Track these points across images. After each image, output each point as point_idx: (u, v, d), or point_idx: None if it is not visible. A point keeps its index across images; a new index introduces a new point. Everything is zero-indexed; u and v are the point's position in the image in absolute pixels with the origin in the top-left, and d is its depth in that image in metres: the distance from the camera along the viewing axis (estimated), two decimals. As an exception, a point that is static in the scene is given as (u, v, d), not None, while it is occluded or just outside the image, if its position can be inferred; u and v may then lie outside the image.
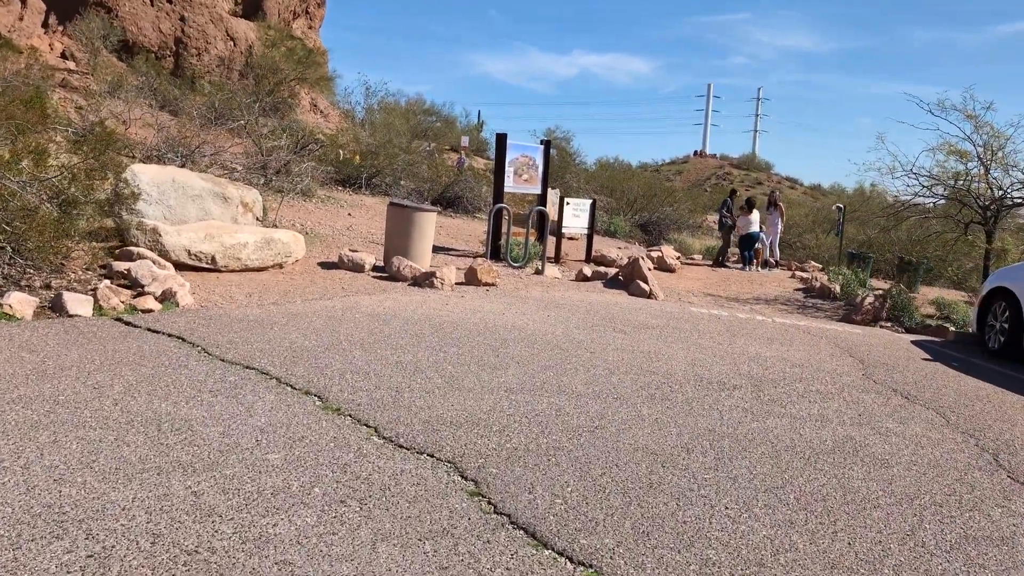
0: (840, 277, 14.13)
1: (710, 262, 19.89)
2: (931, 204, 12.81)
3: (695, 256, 21.76)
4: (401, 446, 4.06)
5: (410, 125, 36.21)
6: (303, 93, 33.27)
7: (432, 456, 3.96)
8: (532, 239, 13.39)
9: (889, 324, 11.18)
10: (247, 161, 16.34)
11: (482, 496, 3.53)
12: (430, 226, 10.75)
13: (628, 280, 11.65)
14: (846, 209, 16.78)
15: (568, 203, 14.49)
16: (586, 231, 14.79)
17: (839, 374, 7.09)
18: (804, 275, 16.31)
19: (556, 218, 14.62)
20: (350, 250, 10.31)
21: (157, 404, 4.35)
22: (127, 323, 6.20)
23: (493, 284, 10.12)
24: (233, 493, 3.29)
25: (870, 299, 11.34)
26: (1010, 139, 11.53)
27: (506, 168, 13.18)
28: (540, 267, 12.15)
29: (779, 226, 18.22)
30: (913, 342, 9.76)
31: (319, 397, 4.75)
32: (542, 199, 14.24)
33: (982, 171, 11.76)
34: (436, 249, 12.69)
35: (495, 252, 12.87)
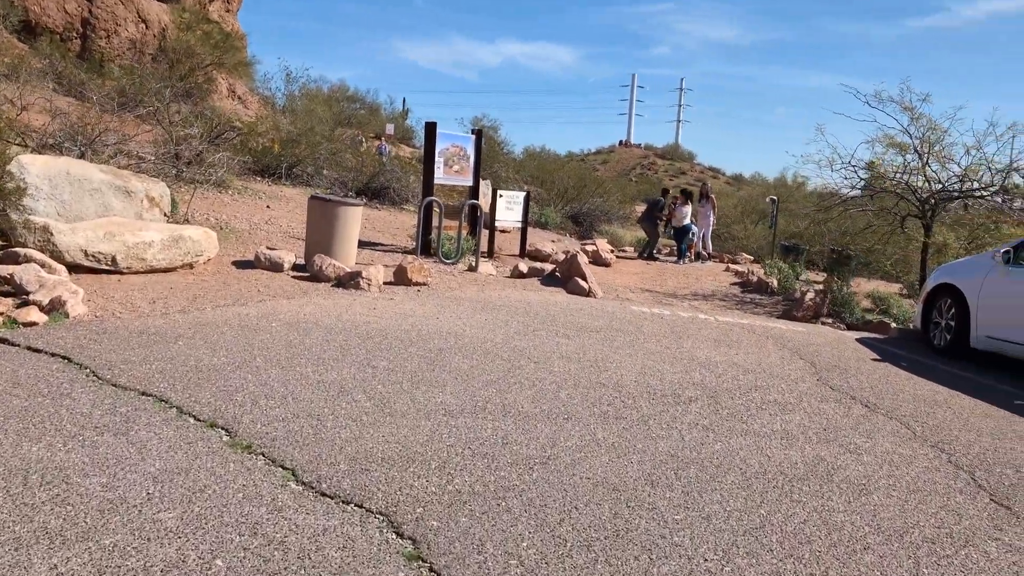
0: (777, 271, 13.97)
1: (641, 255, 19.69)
2: (869, 197, 12.68)
3: (627, 248, 21.52)
4: (324, 494, 3.44)
5: (333, 113, 35.08)
6: (220, 79, 31.79)
7: (361, 507, 3.36)
8: (464, 233, 12.79)
9: (830, 320, 11.00)
10: (157, 151, 15.25)
11: (422, 561, 2.95)
12: (355, 221, 10.04)
13: (566, 277, 11.18)
14: (778, 201, 16.71)
15: (501, 195, 13.94)
16: (520, 224, 14.27)
17: (793, 380, 6.73)
18: (738, 268, 16.15)
19: (489, 211, 14.05)
20: (268, 248, 9.53)
21: (27, 448, 3.62)
22: (2, 340, 5.38)
23: (425, 283, 9.49)
24: (112, 573, 2.63)
25: (811, 295, 11.14)
26: (947, 132, 11.48)
27: (436, 159, 12.54)
28: (474, 263, 11.58)
29: (711, 218, 18.07)
30: (858, 340, 9.55)
31: (227, 431, 4.08)
32: (474, 191, 13.65)
33: (920, 164, 11.66)
34: (362, 244, 11.99)
35: (425, 247, 12.23)
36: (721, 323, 9.64)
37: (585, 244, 16.50)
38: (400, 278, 9.35)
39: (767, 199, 18.94)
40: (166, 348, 5.50)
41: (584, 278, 10.91)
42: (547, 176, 29.77)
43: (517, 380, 5.65)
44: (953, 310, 8.85)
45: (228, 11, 39.09)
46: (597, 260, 14.96)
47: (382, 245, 13.08)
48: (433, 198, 12.03)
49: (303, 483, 3.53)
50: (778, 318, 11.21)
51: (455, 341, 6.71)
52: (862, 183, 12.88)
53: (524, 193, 14.54)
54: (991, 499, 4.31)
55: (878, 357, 8.41)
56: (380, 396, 4.90)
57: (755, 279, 13.69)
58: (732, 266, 16.34)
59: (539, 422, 4.73)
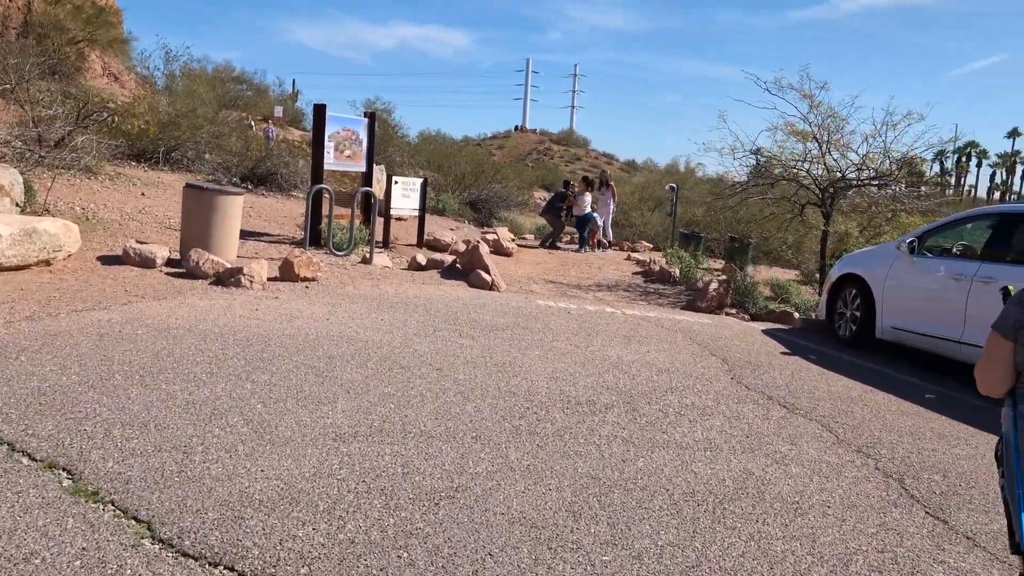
0: (678, 260, 13.86)
1: (543, 244, 19.39)
2: (769, 185, 12.67)
3: (527, 236, 21.18)
4: (186, 554, 2.84)
5: (217, 94, 33.23)
6: (94, 56, 29.65)
7: (233, 570, 2.76)
8: (358, 222, 12.09)
9: (734, 311, 10.90)
10: (14, 132, 13.83)
11: (307, 645, 2.39)
12: (236, 211, 9.22)
13: (468, 269, 10.66)
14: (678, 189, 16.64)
15: (397, 182, 13.26)
16: (417, 212, 13.64)
17: (708, 380, 6.45)
18: (639, 257, 16.02)
19: (384, 198, 13.36)
20: (137, 242, 8.63)
21: None
22: None
23: (314, 279, 8.79)
24: None
25: (714, 285, 11.00)
26: (846, 120, 11.54)
27: (326, 143, 11.76)
28: (368, 255, 10.91)
29: (611, 206, 17.90)
30: (765, 332, 9.44)
31: (69, 472, 3.40)
32: (367, 177, 12.94)
33: (820, 152, 11.69)
34: (247, 235, 11.14)
35: (315, 238, 11.46)
36: (629, 317, 9.34)
37: (485, 233, 16.02)
38: (286, 274, 8.62)
39: (666, 187, 18.91)
40: (4, 366, 4.69)
41: (487, 270, 10.42)
42: (443, 161, 29.11)
43: (418, 392, 5.11)
44: (858, 300, 8.82)
45: (100, -18, 36.59)
46: (498, 250, 14.50)
47: (268, 235, 12.22)
48: (322, 186, 11.27)
49: (161, 540, 2.91)
50: (683, 309, 11.03)
51: (348, 347, 6.11)
52: (761, 171, 12.87)
53: (421, 180, 13.91)
54: (927, 513, 4.08)
55: (787, 351, 8.27)
56: (260, 419, 4.27)
57: (657, 268, 13.54)
58: (633, 255, 16.19)
59: (444, 444, 4.21)
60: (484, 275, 10.31)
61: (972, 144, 79.57)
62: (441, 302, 8.62)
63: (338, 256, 10.76)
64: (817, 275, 12.04)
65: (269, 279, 8.38)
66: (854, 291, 8.93)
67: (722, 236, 18.40)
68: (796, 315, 10.69)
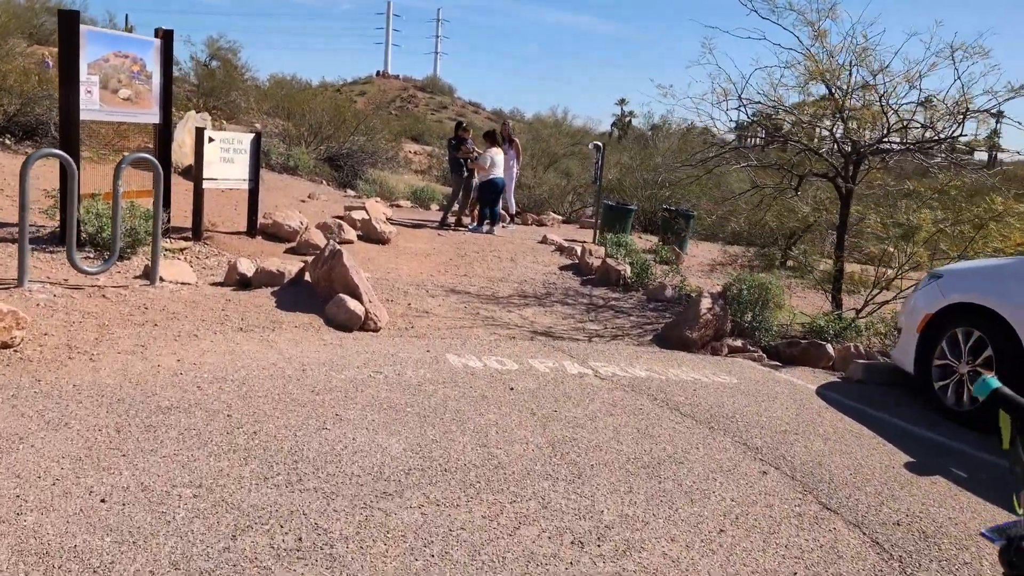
0: (619, 250, 10.00)
1: (432, 212, 15.13)
2: (761, 147, 8.98)
3: (401, 203, 16.84)
4: None
5: (22, 24, 26.68)
6: None
7: None
8: (141, 202, 7.52)
9: (740, 343, 7.16)
10: None
11: None
12: None
13: (325, 292, 6.41)
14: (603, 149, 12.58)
15: (213, 139, 8.68)
16: (247, 183, 9.09)
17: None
18: (555, 237, 12.05)
19: (195, 163, 8.77)
20: None
21: None
22: None
23: (8, 345, 4.33)
24: None
25: (707, 303, 7.19)
26: (871, 51, 7.86)
27: (83, 75, 7.09)
28: (150, 265, 6.41)
29: (515, 169, 13.75)
30: (822, 396, 5.79)
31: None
32: (164, 132, 8.29)
33: (837, 100, 7.99)
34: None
35: (67, 234, 6.84)
36: (610, 383, 5.44)
37: (350, 208, 11.59)
38: None
39: (589, 145, 14.96)
40: None
41: (355, 293, 6.20)
42: (296, 108, 24.03)
43: None
44: (988, 350, 5.24)
45: None
46: (370, 235, 10.20)
47: (3, 225, 7.49)
48: (51, 150, 6.53)
49: None
50: (658, 341, 7.24)
51: None
52: (759, 126, 9.11)
53: (251, 135, 9.32)
54: None
55: (912, 459, 4.57)
56: None
57: (596, 263, 9.62)
58: (546, 234, 12.18)
59: None
60: (352, 304, 6.08)
61: None
62: (266, 387, 4.38)
63: (90, 273, 6.18)
64: (833, 278, 8.42)
65: None
66: (976, 334, 5.34)
67: (651, 207, 14.78)
68: (829, 347, 7.06)
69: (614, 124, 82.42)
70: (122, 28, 41.83)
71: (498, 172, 12.01)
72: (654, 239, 14.87)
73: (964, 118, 7.44)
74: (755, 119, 8.81)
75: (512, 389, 4.99)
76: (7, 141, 12.09)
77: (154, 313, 5.61)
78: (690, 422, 4.80)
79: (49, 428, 3.50)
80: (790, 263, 12.11)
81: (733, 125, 8.77)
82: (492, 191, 12.06)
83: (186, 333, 5.27)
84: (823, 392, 5.96)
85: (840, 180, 8.25)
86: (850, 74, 7.86)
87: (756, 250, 12.26)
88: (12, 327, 4.40)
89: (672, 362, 6.38)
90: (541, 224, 15.02)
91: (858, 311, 8.30)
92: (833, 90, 8.08)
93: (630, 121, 79.81)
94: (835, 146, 7.99)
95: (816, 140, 8.27)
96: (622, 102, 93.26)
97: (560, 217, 16.45)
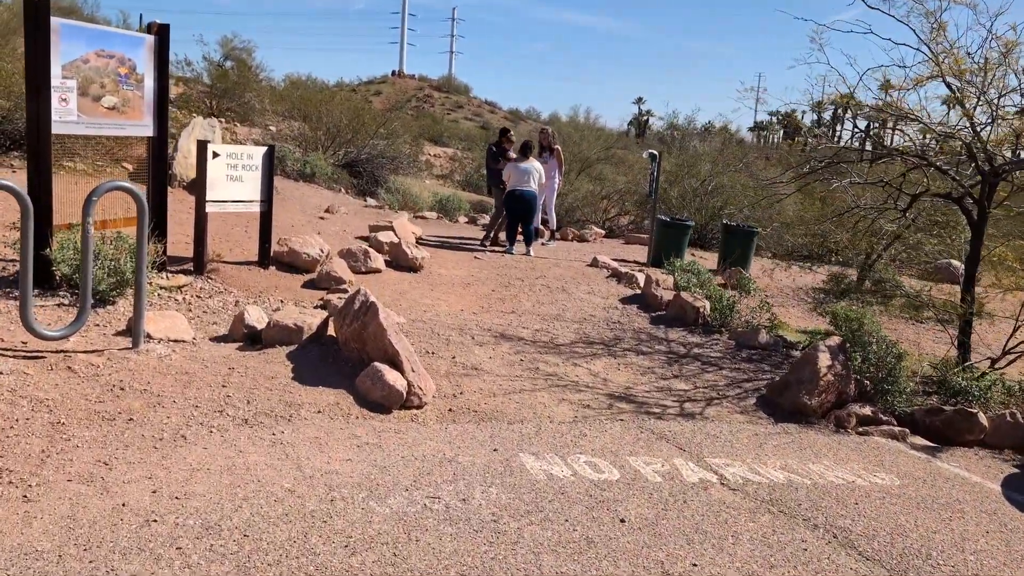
0: (693, 280, 8.51)
1: (460, 225, 13.66)
2: (868, 162, 7.43)
3: (427, 215, 15.36)
4: None
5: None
6: None
7: None
8: (125, 233, 6.10)
9: (869, 411, 5.67)
10: None
11: None
12: None
13: (354, 354, 4.99)
14: (660, 156, 11.01)
15: (218, 154, 7.26)
16: (259, 205, 7.67)
17: None
18: (607, 260, 10.55)
19: (197, 182, 7.36)
20: None
21: None
22: None
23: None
24: None
25: (825, 360, 5.73)
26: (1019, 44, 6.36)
27: (55, 78, 5.70)
28: (132, 320, 4.97)
29: (557, 180, 12.25)
30: (1012, 499, 4.34)
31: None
32: (158, 147, 6.87)
33: (970, 104, 6.47)
34: None
35: (42, 270, 5.47)
36: (744, 497, 4.05)
37: (377, 229, 10.13)
38: None
39: (644, 153, 13.40)
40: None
41: (394, 361, 4.77)
42: (314, 110, 22.58)
43: None
44: None
45: None
46: (400, 261, 8.77)
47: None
48: (3, 183, 5.12)
49: None
50: (765, 405, 5.79)
51: None
52: (872, 137, 7.58)
53: (264, 149, 7.89)
54: None
55: None
56: None
57: (665, 297, 8.14)
58: (598, 257, 10.66)
59: None
60: (388, 376, 4.65)
61: None
62: (279, 543, 2.96)
63: (54, 337, 4.73)
64: (961, 318, 6.84)
65: None
66: None
67: (701, 218, 13.27)
68: (981, 416, 5.58)
69: (630, 123, 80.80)
70: (137, 29, 40.60)
71: (527, 185, 10.40)
72: (706, 255, 13.35)
73: None
74: (869, 128, 7.30)
75: (623, 522, 3.54)
76: (12, 158, 10.71)
77: (131, 398, 4.19)
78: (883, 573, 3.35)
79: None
80: (866, 285, 10.62)
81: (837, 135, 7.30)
82: (522, 207, 10.42)
83: (170, 434, 3.84)
84: (1012, 496, 4.49)
85: (971, 201, 6.73)
86: (985, 74, 6.33)
87: (829, 272, 10.72)
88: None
89: (805, 451, 4.91)
90: (583, 239, 13.51)
91: (994, 361, 6.80)
92: (965, 96, 6.57)
93: (647, 120, 78.16)
94: (971, 161, 6.44)
95: (941, 154, 6.74)
96: (639, 100, 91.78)
97: (602, 232, 14.93)
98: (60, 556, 2.69)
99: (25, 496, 3.07)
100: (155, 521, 3.01)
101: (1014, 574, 3.58)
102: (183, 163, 10.87)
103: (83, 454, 3.50)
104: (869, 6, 7.08)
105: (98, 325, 5.31)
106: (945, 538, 3.84)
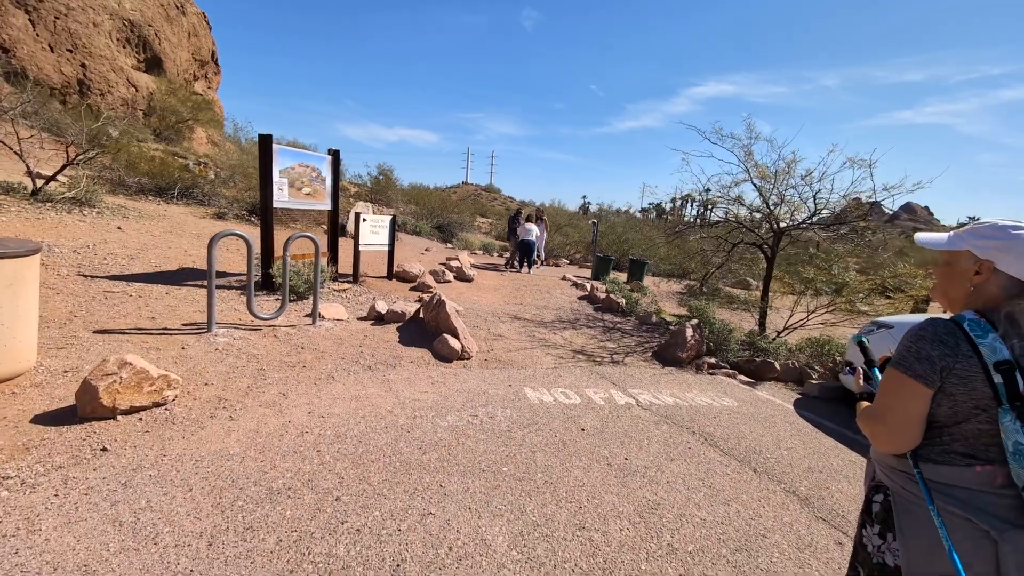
0: (615, 287, 7.92)
1: (493, 257, 13.16)
2: (711, 224, 6.96)
3: (477, 251, 14.81)
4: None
5: (252, 158, 24.74)
6: (199, 130, 20.82)
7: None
8: (322, 261, 5.61)
9: (713, 360, 5.08)
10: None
11: None
12: (23, 285, 2.66)
13: (433, 330, 4.48)
14: (598, 223, 10.63)
15: (365, 219, 6.80)
16: (387, 247, 7.20)
17: None
18: (569, 275, 9.97)
19: (354, 234, 6.88)
20: None
21: None
22: None
23: (161, 404, 2.43)
24: None
25: (690, 332, 5.17)
26: (796, 162, 5.91)
27: (275, 178, 5.22)
28: (312, 308, 4.49)
29: (544, 235, 11.73)
30: (802, 415, 3.71)
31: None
32: (333, 216, 6.40)
33: (774, 195, 6.02)
34: (195, 275, 4.52)
35: (267, 282, 5.00)
36: (651, 411, 3.42)
37: (450, 260, 9.65)
38: (89, 405, 2.21)
39: (589, 221, 13.02)
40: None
41: (455, 333, 4.27)
42: (422, 200, 22.11)
43: None
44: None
45: (209, 88, 26.17)
46: (461, 276, 8.26)
47: (234, 275, 5.62)
48: (235, 231, 4.71)
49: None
50: (656, 357, 5.20)
51: None
52: (709, 213, 7.06)
53: (389, 217, 7.42)
54: None
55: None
56: None
57: (601, 296, 7.60)
58: (566, 275, 10.16)
59: None
60: (452, 341, 4.13)
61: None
62: (379, 445, 2.41)
63: (265, 319, 4.27)
64: (758, 307, 6.29)
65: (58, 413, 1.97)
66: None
67: (623, 257, 12.72)
68: (776, 364, 4.96)
69: (580, 207, 79.42)
70: (324, 151, 40.26)
71: (530, 236, 9.98)
72: (621, 274, 12.73)
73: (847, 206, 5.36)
74: (707, 207, 6.78)
75: (583, 430, 3.00)
76: (253, 219, 10.32)
77: (307, 353, 3.70)
78: (736, 464, 2.78)
79: (129, 549, 1.58)
80: (705, 290, 9.96)
81: (691, 211, 6.76)
82: (526, 248, 10.02)
83: (325, 376, 3.34)
84: (801, 413, 3.89)
85: (767, 247, 6.14)
86: (774, 181, 5.78)
87: (685, 283, 10.10)
88: (163, 388, 2.52)
89: (682, 385, 4.33)
90: (557, 266, 12.96)
91: (779, 332, 6.17)
92: (764, 189, 6.01)
93: (588, 206, 76.93)
94: (768, 225, 5.89)
95: (750, 221, 6.19)
96: (584, 197, 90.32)
97: (568, 261, 14.39)
98: (243, 458, 2.20)
99: (231, 416, 2.58)
100: (306, 432, 2.51)
101: (811, 461, 2.99)
102: (350, 224, 10.42)
103: (271, 388, 3.01)
104: (712, 142, 6.49)
105: (296, 311, 4.83)
106: (768, 439, 3.26)
